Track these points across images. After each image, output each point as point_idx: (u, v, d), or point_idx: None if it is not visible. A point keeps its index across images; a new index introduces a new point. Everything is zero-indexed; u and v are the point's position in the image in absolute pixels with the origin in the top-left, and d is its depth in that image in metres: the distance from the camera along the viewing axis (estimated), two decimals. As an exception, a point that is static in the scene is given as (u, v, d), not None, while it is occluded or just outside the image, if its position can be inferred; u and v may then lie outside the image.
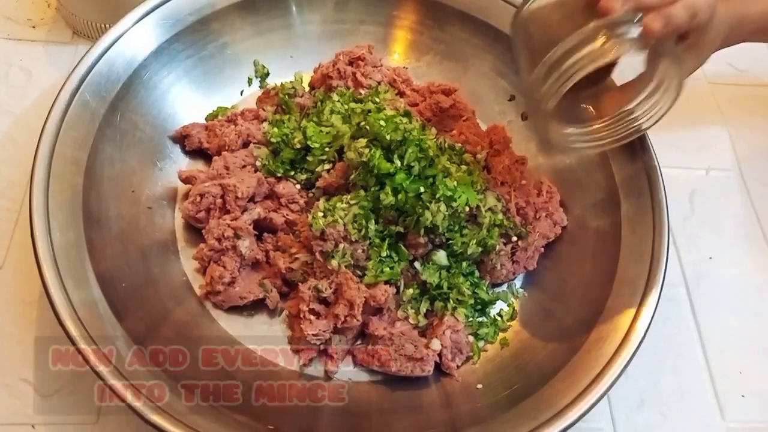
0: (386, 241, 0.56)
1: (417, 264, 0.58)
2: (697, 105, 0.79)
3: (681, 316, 0.64)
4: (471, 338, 0.57)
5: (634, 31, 0.49)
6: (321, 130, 0.62)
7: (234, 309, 0.57)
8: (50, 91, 0.69)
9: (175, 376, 0.50)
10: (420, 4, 0.72)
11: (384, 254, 0.56)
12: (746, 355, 0.62)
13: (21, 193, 0.62)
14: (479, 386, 0.55)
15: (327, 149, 0.61)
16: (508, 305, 0.60)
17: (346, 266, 0.55)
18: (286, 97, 0.66)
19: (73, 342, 0.47)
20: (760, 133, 0.78)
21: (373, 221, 0.56)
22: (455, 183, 0.56)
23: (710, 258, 0.68)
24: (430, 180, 0.56)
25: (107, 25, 0.70)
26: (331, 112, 0.63)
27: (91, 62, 0.59)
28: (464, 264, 0.59)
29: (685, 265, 0.67)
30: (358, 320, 0.54)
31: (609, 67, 0.56)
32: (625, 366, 0.50)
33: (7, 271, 0.58)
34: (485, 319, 0.59)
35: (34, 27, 0.74)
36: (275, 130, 0.63)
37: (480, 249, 0.58)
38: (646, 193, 0.60)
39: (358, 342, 0.57)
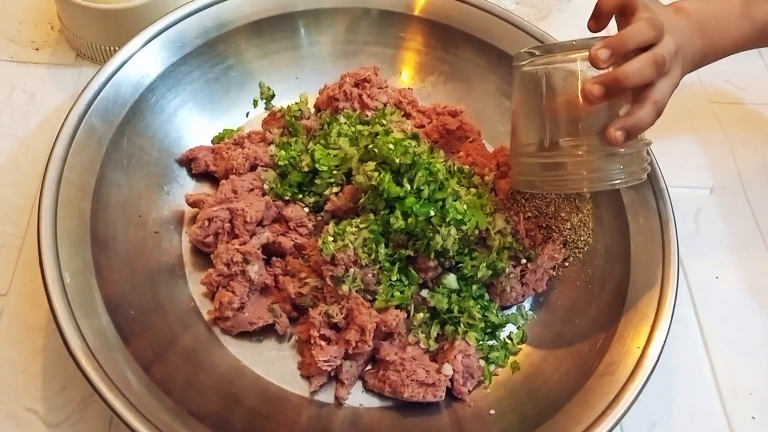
0: (396, 265, 0.56)
1: (424, 292, 0.57)
2: (700, 124, 0.80)
3: (689, 337, 0.64)
4: (482, 362, 0.57)
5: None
6: (329, 153, 0.62)
7: (243, 334, 0.57)
8: (54, 114, 0.68)
9: (183, 403, 0.50)
10: (425, 26, 0.73)
11: (394, 278, 0.56)
12: (756, 375, 0.62)
13: (26, 217, 0.62)
14: (491, 412, 0.54)
15: (335, 172, 0.61)
16: (518, 328, 0.60)
17: (356, 291, 0.55)
18: (293, 119, 0.66)
19: (83, 372, 0.46)
20: (762, 151, 0.78)
21: (383, 245, 0.56)
22: (465, 206, 0.56)
23: (717, 277, 0.68)
24: (440, 203, 0.56)
25: (111, 48, 0.70)
26: (339, 134, 0.63)
27: (98, 87, 0.59)
28: (474, 287, 0.58)
29: (692, 284, 0.67)
30: (369, 346, 0.53)
31: None
32: (639, 392, 0.50)
33: (12, 298, 0.58)
34: (496, 343, 0.59)
35: (37, 49, 0.73)
36: (282, 152, 0.63)
37: (490, 272, 0.58)
38: (654, 215, 0.60)
39: (369, 367, 0.57)
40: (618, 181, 0.53)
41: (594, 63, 0.48)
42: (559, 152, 0.53)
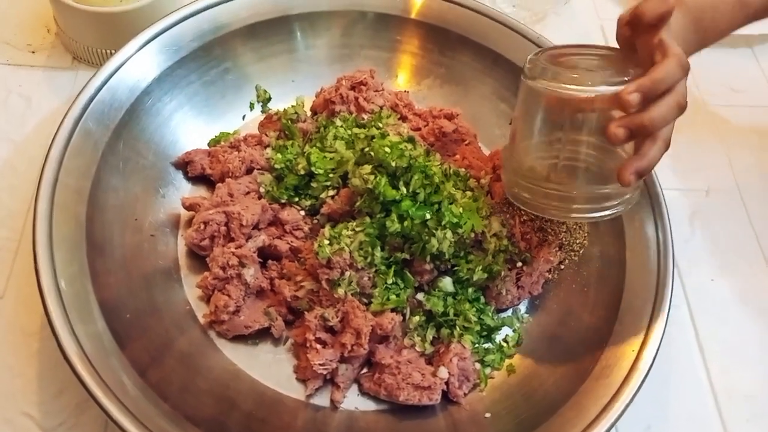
0: (392, 269, 0.56)
1: (420, 295, 0.58)
2: (695, 126, 0.80)
3: (684, 339, 0.64)
4: (477, 365, 0.57)
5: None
6: (325, 156, 0.62)
7: (238, 338, 0.57)
8: (50, 117, 0.68)
9: (179, 407, 0.50)
10: (422, 29, 0.73)
11: (390, 281, 0.56)
12: (751, 378, 0.62)
13: (21, 221, 0.62)
14: (487, 415, 0.54)
15: (331, 175, 0.61)
16: (513, 331, 0.60)
17: (352, 294, 0.55)
18: (289, 122, 0.66)
19: (78, 377, 0.46)
20: (758, 153, 0.78)
21: (379, 248, 0.56)
22: (461, 209, 0.56)
23: (712, 280, 0.68)
24: (436, 207, 0.56)
25: (107, 51, 0.70)
26: (335, 137, 0.63)
27: (94, 90, 0.59)
28: (470, 290, 0.58)
29: (687, 287, 0.67)
30: (365, 349, 0.53)
31: None
32: (634, 395, 0.50)
33: (8, 302, 0.58)
34: (491, 346, 0.59)
35: (33, 52, 0.73)
36: (279, 155, 0.63)
37: (486, 275, 0.58)
38: (649, 217, 0.61)
39: (364, 370, 0.57)
40: (607, 215, 0.53)
41: (623, 107, 0.46)
42: (553, 185, 0.53)
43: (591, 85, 0.49)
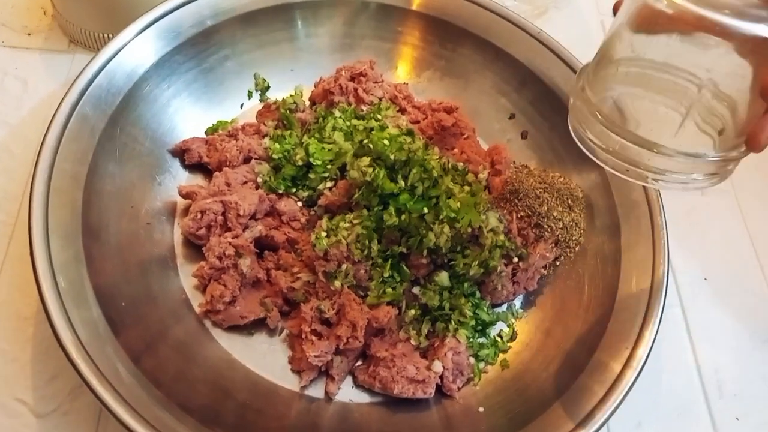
0: (389, 262, 0.56)
1: (416, 289, 0.58)
2: (693, 125, 0.80)
3: (677, 337, 0.64)
4: (472, 360, 0.57)
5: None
6: (323, 147, 0.62)
7: (234, 328, 0.57)
8: (46, 100, 0.68)
9: (173, 396, 0.50)
10: (423, 21, 0.72)
11: (386, 275, 0.56)
12: (741, 377, 0.63)
13: (16, 205, 0.61)
14: (480, 409, 0.55)
15: (329, 166, 0.61)
16: (508, 326, 0.60)
17: (348, 287, 0.55)
18: (287, 112, 0.66)
19: (72, 363, 0.46)
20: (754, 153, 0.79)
21: (376, 241, 0.56)
22: (458, 204, 0.56)
23: (705, 279, 0.68)
24: (434, 201, 0.56)
25: (104, 34, 0.70)
26: (333, 128, 0.63)
27: (92, 75, 0.58)
28: (466, 285, 0.58)
29: (681, 286, 0.68)
30: (360, 341, 0.53)
31: None
32: (627, 392, 0.51)
33: (2, 286, 0.57)
34: (486, 340, 0.59)
35: (29, 34, 0.73)
36: (277, 146, 0.63)
37: (482, 270, 0.58)
38: (645, 215, 0.61)
39: (359, 363, 0.57)
40: (696, 184, 0.43)
41: None
42: (635, 133, 0.41)
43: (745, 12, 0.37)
